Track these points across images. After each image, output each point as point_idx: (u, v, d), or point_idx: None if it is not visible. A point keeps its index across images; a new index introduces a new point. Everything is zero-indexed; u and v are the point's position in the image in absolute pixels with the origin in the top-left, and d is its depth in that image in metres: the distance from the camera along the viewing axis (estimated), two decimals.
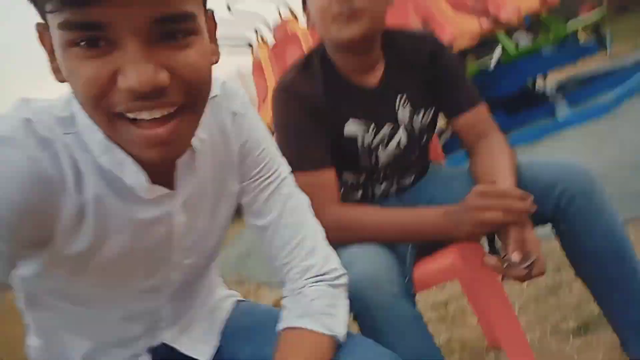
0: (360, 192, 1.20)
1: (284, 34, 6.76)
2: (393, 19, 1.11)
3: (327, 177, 1.06)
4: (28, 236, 0.52)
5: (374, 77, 1.12)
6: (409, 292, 0.91)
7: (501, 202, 0.86)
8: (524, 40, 6.00)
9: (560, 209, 0.95)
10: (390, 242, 1.01)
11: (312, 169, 1.04)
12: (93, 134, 0.55)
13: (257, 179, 0.74)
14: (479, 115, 1.14)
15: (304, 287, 0.72)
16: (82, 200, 0.55)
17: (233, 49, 6.83)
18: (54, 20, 0.45)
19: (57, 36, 0.46)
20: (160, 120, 0.49)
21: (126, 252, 0.61)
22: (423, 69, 1.13)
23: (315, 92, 1.07)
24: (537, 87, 5.48)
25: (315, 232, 0.77)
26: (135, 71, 0.45)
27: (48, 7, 0.44)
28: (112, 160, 0.56)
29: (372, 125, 1.10)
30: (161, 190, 0.61)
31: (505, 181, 0.93)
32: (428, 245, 1.09)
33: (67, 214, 0.54)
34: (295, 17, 6.84)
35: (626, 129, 3.35)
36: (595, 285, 0.99)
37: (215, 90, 0.69)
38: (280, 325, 0.71)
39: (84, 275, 0.61)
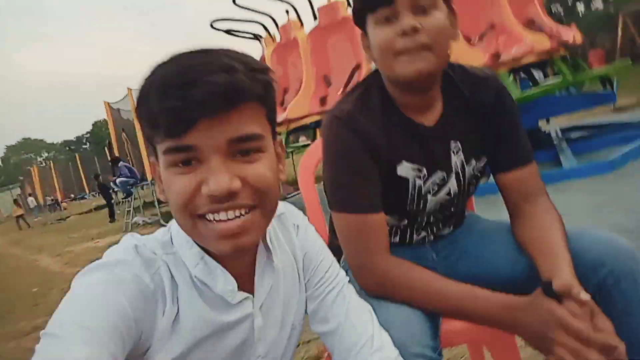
0: (397, 237, 1.16)
1: (286, 37, 6.78)
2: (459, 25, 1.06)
3: (379, 222, 0.99)
4: (133, 339, 0.60)
5: (432, 117, 1.06)
6: (439, 350, 0.88)
7: (583, 351, 0.78)
8: (538, 77, 6.05)
9: (604, 289, 0.91)
10: (436, 312, 0.96)
11: (364, 212, 0.98)
12: (188, 250, 0.67)
13: (321, 286, 0.82)
14: (529, 174, 1.07)
15: None
16: (177, 308, 0.65)
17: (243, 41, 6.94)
18: (160, 148, 0.61)
19: (162, 161, 0.61)
20: (233, 219, 0.62)
21: (211, 356, 0.68)
22: (481, 115, 1.07)
23: (374, 128, 1.01)
24: (542, 129, 5.52)
25: (381, 331, 0.81)
26: (215, 180, 0.59)
27: (157, 139, 0.60)
28: (204, 271, 0.67)
29: (424, 171, 1.05)
30: (243, 294, 0.70)
31: (564, 269, 0.89)
32: None
33: (164, 321, 0.63)
34: (301, 22, 6.86)
35: (632, 191, 3.38)
36: None
37: (281, 209, 0.82)
38: None
39: None
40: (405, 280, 0.96)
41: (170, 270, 0.66)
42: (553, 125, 6.06)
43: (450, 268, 1.13)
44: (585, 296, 0.80)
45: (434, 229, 1.16)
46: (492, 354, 1.08)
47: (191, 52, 0.60)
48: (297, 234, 0.82)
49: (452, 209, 1.13)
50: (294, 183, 8.05)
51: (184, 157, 0.59)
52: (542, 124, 5.50)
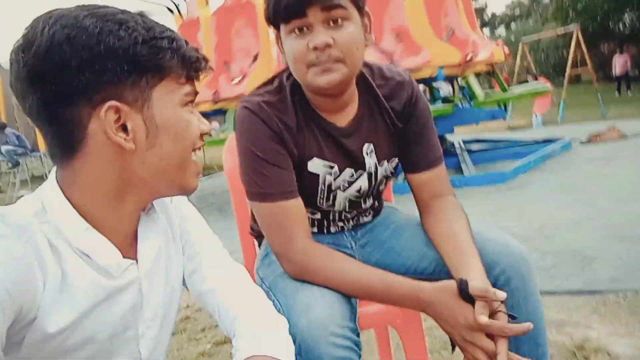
0: (315, 228, 1.18)
1: (190, 15, 6.31)
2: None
3: (296, 208, 1.01)
4: (13, 312, 0.57)
5: (346, 118, 1.09)
6: (357, 332, 0.92)
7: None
8: (443, 91, 6.45)
9: (496, 287, 0.97)
10: (353, 295, 0.99)
11: (280, 199, 0.99)
12: (68, 220, 0.65)
13: (195, 246, 0.85)
14: (438, 176, 1.14)
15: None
16: (62, 273, 0.63)
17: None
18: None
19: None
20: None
21: (101, 328, 0.67)
22: (395, 117, 1.11)
23: (285, 123, 1.02)
24: (447, 138, 5.92)
25: (257, 288, 0.89)
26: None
27: None
28: (86, 242, 0.65)
29: (335, 168, 1.08)
30: (127, 262, 0.70)
31: (474, 265, 0.95)
32: None
33: (49, 290, 0.61)
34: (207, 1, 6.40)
35: (520, 200, 3.73)
36: None
37: None
38: None
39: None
40: (324, 265, 0.98)
41: (48, 238, 0.63)
42: (456, 137, 6.51)
43: (367, 256, 1.18)
44: (501, 295, 0.87)
45: (350, 222, 1.20)
46: (400, 336, 1.13)
47: None
48: (171, 200, 0.85)
49: (362, 205, 1.17)
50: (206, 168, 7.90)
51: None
52: (447, 134, 5.89)
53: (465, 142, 6.33)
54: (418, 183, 1.14)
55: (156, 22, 0.65)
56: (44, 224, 0.63)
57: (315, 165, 1.06)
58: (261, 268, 1.15)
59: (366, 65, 1.10)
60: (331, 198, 1.11)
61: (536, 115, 9.57)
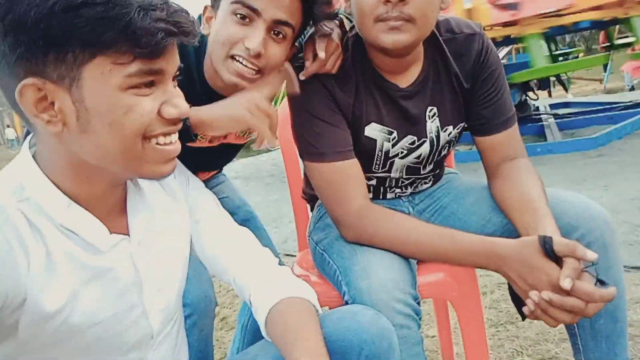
0: (371, 194, 1.13)
1: None
2: None
3: (353, 169, 0.97)
4: (1, 294, 0.54)
5: (409, 78, 1.01)
6: (418, 300, 0.88)
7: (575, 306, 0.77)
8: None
9: None
10: (416, 257, 0.95)
11: (336, 160, 0.96)
12: (49, 196, 0.60)
13: (202, 212, 0.82)
14: (510, 137, 1.05)
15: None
16: (47, 253, 0.59)
17: None
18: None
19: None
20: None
21: (100, 306, 0.64)
22: (463, 78, 1.02)
23: (343, 85, 0.97)
24: (529, 102, 5.50)
25: (265, 249, 0.87)
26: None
27: None
28: (70, 218, 0.61)
29: (394, 134, 1.02)
30: (116, 237, 0.65)
31: (547, 225, 0.85)
32: None
33: (34, 269, 0.57)
34: None
35: (612, 170, 3.41)
36: (583, 335, 0.95)
37: None
38: None
39: (63, 345, 0.62)
40: (383, 225, 0.93)
41: (27, 217, 0.59)
42: (542, 101, 6.05)
43: (427, 221, 1.11)
44: (592, 255, 0.77)
45: (407, 188, 1.14)
46: (456, 311, 1.07)
47: None
48: (174, 176, 0.80)
49: (421, 172, 1.10)
50: None
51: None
52: (532, 96, 5.46)
53: (551, 106, 5.86)
54: (488, 146, 1.06)
55: None
56: (22, 202, 0.59)
57: (373, 130, 1.01)
58: (314, 232, 1.13)
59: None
60: (388, 165, 1.05)
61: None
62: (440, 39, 1.01)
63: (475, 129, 1.07)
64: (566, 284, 0.75)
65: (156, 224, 0.73)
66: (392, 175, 1.08)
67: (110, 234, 0.65)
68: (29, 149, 0.63)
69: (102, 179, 0.63)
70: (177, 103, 0.60)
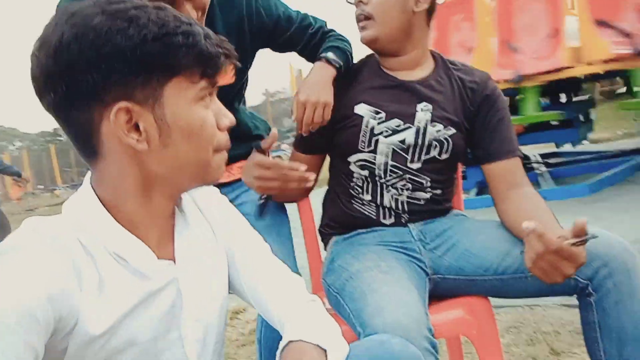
0: (369, 195, 1.18)
1: None
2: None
3: (304, 159, 1.22)
4: (52, 323, 0.56)
5: (412, 76, 1.17)
6: (434, 336, 0.88)
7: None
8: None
9: (596, 280, 0.92)
10: None
11: (298, 149, 1.25)
12: (103, 225, 0.64)
13: (240, 251, 0.82)
14: (516, 166, 1.13)
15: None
16: (99, 278, 0.63)
17: None
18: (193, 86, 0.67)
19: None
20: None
21: (142, 329, 0.66)
22: (469, 100, 1.15)
23: (349, 81, 1.21)
24: (520, 151, 5.60)
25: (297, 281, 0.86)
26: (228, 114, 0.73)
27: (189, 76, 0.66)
28: (120, 245, 0.65)
29: (382, 115, 1.13)
30: (163, 263, 0.69)
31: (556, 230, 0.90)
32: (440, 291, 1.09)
33: (87, 291, 0.61)
34: None
35: (609, 215, 3.44)
36: None
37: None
38: None
39: None
40: None
41: (82, 244, 0.63)
42: (532, 150, 6.18)
43: (437, 261, 1.13)
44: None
45: (403, 191, 1.15)
46: (475, 347, 1.05)
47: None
48: (211, 202, 0.83)
49: (407, 164, 1.14)
50: None
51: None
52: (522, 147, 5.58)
53: (541, 155, 5.98)
54: (494, 173, 1.12)
55: (175, 16, 0.62)
56: (78, 231, 0.63)
57: (361, 108, 1.15)
58: (327, 274, 1.14)
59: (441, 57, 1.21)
60: (373, 143, 1.13)
61: None
62: (450, 66, 1.19)
63: (482, 156, 1.15)
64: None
65: (199, 250, 0.76)
66: (379, 158, 1.14)
67: (158, 259, 0.68)
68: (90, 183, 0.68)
69: (164, 193, 0.68)
70: (225, 113, 0.70)
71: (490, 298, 1.09)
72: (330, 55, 1.17)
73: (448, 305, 1.08)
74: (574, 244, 0.81)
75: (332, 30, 1.28)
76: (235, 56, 0.67)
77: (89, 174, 0.69)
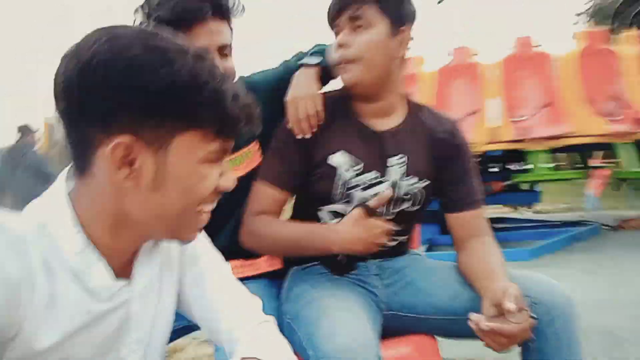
0: None
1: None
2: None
3: (278, 196, 1.15)
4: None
5: (385, 126, 1.16)
6: None
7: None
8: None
9: (539, 326, 0.96)
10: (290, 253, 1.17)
11: (274, 184, 1.15)
12: (70, 236, 0.62)
13: (194, 272, 0.82)
14: (478, 217, 1.17)
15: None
16: (52, 292, 0.60)
17: None
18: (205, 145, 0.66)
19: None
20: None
21: (83, 348, 0.64)
22: (438, 149, 1.16)
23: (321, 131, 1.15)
24: None
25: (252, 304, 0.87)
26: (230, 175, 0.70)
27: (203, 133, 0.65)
28: (83, 261, 0.63)
29: (359, 167, 1.12)
30: (118, 285, 0.67)
31: (501, 283, 0.94)
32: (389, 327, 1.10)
33: (35, 307, 0.58)
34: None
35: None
36: None
37: None
38: None
39: None
40: (264, 230, 1.12)
41: (42, 254, 0.60)
42: None
43: (391, 296, 1.16)
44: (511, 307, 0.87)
45: None
46: None
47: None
48: None
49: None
50: None
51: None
52: None
53: (489, 219, 6.24)
54: (457, 222, 1.17)
55: (210, 70, 0.60)
56: (43, 238, 0.61)
57: (337, 158, 1.12)
58: (284, 303, 1.14)
59: (415, 103, 1.21)
60: (348, 195, 1.12)
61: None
62: (419, 114, 1.19)
63: (447, 205, 1.18)
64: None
65: (156, 277, 0.75)
66: (351, 209, 1.13)
67: (117, 278, 0.66)
68: (65, 181, 0.65)
69: (135, 235, 0.66)
70: (229, 177, 0.67)
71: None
72: (305, 60, 1.19)
73: (397, 342, 1.11)
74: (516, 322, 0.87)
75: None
76: (257, 124, 0.66)
77: (65, 171, 0.66)
